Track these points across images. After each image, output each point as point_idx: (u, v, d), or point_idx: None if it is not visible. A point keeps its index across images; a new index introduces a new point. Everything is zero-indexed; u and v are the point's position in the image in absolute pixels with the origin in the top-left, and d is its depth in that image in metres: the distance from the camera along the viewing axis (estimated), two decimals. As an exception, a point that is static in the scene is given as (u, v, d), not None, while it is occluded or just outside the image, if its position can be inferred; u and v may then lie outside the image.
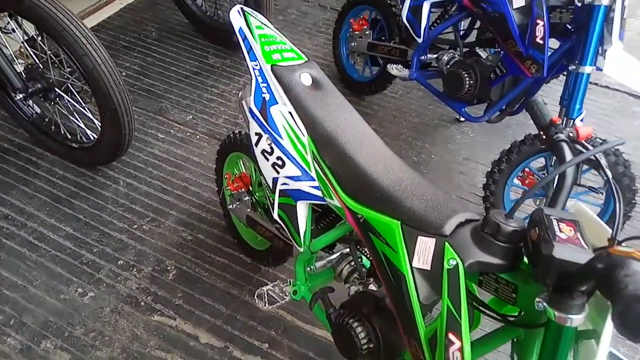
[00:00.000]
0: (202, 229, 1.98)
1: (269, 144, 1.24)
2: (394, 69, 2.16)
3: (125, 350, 1.61)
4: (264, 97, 1.24)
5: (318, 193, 1.20)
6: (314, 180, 1.20)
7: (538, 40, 1.61)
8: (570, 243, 0.77)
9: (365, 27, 2.39)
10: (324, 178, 1.16)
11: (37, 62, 1.94)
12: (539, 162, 1.85)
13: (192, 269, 1.85)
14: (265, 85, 1.24)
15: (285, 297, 1.40)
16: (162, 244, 1.93)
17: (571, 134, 0.99)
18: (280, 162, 1.24)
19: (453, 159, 2.34)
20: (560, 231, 0.79)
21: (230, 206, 1.72)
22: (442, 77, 2.05)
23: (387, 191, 1.06)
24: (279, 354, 1.61)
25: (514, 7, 1.67)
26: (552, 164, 1.70)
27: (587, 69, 1.59)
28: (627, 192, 1.72)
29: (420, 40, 2.05)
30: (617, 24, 1.51)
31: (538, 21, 1.60)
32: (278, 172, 1.25)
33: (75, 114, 2.08)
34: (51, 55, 1.90)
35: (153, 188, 2.14)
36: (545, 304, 0.78)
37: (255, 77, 1.26)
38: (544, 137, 1.01)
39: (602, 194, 1.80)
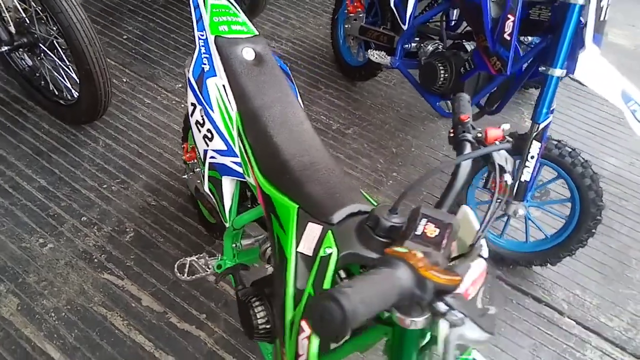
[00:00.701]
0: (167, 197, 2.02)
1: (201, 116, 1.24)
2: (375, 55, 2.11)
3: (70, 303, 1.67)
4: (203, 68, 1.24)
5: (240, 170, 1.20)
6: (237, 156, 1.19)
7: (506, 36, 1.52)
8: (425, 243, 0.74)
9: (360, 9, 2.33)
10: (245, 155, 1.16)
11: (25, 16, 1.99)
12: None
13: (149, 234, 1.89)
14: (207, 56, 1.24)
15: (207, 270, 1.41)
16: (126, 206, 1.98)
17: (479, 135, 0.95)
18: (209, 135, 1.23)
19: (433, 155, 2.29)
20: (423, 231, 0.77)
21: (185, 176, 1.75)
22: (419, 67, 1.99)
23: (294, 174, 1.06)
24: (214, 325, 1.64)
25: (492, 0, 1.60)
26: (517, 167, 1.63)
27: (557, 71, 1.48)
28: (591, 206, 1.64)
29: (405, 28, 1.99)
30: (590, 27, 1.40)
31: (509, 16, 1.51)
32: (207, 145, 1.25)
33: (61, 71, 2.13)
34: (37, 10, 1.94)
35: (129, 151, 2.19)
36: None
37: (199, 47, 1.26)
38: (451, 134, 0.96)
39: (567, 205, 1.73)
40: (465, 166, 0.92)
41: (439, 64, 1.85)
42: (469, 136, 0.95)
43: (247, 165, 1.17)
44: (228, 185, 1.28)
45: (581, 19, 1.45)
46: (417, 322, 0.72)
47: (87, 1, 2.98)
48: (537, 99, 1.57)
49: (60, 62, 2.07)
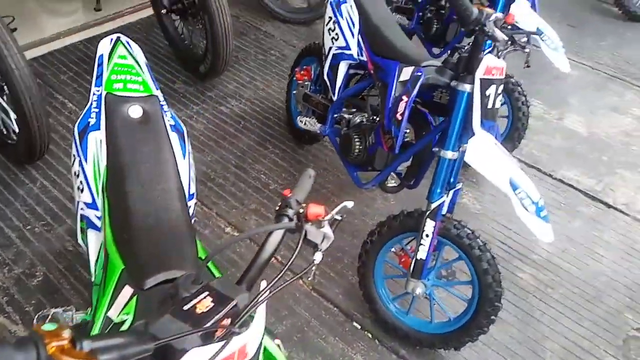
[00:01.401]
0: (87, 242, 2.03)
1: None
2: (305, 122, 2.17)
3: (-44, 343, 1.65)
4: (89, 122, 1.31)
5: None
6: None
7: (398, 116, 1.56)
8: (185, 319, 0.72)
9: (307, 78, 2.42)
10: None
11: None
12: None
13: (57, 279, 1.89)
14: (96, 110, 1.32)
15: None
16: (43, 249, 1.99)
17: (301, 210, 0.95)
18: (81, 187, 1.29)
19: (362, 224, 2.28)
20: (194, 305, 0.75)
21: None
22: (339, 137, 2.04)
23: (131, 234, 1.08)
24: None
25: (399, 80, 1.65)
26: (421, 242, 1.62)
27: (448, 154, 1.52)
28: (489, 291, 1.60)
29: (334, 98, 2.06)
30: (476, 114, 1.43)
31: (404, 97, 1.56)
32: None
33: (7, 112, 2.22)
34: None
35: (63, 194, 2.23)
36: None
37: (92, 102, 1.34)
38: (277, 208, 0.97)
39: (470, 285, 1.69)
40: (273, 241, 0.92)
41: (355, 136, 1.89)
42: (290, 211, 0.95)
43: (103, 220, 1.19)
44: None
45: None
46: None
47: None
48: (432, 178, 1.58)
49: (5, 104, 2.16)
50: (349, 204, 1.07)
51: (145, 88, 1.40)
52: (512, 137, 2.40)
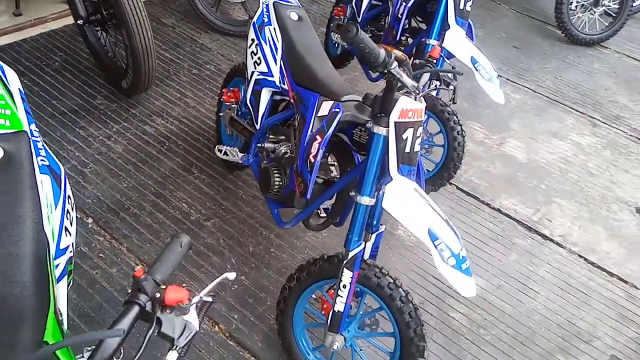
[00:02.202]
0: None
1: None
2: (224, 152, 2.01)
3: None
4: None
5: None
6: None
7: (311, 157, 1.42)
8: None
9: (234, 100, 2.25)
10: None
11: None
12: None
13: None
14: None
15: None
16: None
17: (157, 295, 0.79)
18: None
19: (290, 259, 2.12)
20: None
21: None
22: (258, 170, 1.90)
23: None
24: None
25: (317, 115, 1.52)
26: (339, 294, 1.47)
27: (365, 199, 1.40)
28: (412, 346, 1.47)
29: (257, 127, 1.90)
30: (392, 158, 1.32)
31: (317, 137, 1.43)
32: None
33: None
34: None
35: None
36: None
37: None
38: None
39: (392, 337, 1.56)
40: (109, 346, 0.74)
41: (274, 170, 1.75)
42: (142, 297, 0.78)
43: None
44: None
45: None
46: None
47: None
48: (349, 224, 1.46)
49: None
50: (230, 276, 0.91)
51: (12, 123, 1.20)
52: (447, 167, 2.30)
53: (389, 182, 1.35)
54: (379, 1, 2.76)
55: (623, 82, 3.75)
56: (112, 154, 2.44)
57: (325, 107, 1.52)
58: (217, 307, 1.89)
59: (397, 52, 1.25)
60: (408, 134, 1.32)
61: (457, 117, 2.27)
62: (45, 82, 2.79)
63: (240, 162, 2.01)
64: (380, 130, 1.33)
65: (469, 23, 2.25)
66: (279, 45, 1.81)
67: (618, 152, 3.06)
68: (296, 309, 1.64)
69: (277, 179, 1.71)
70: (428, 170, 2.36)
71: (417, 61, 2.05)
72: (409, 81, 1.25)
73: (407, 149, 1.33)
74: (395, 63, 1.25)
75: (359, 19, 2.77)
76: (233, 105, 2.26)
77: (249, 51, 1.92)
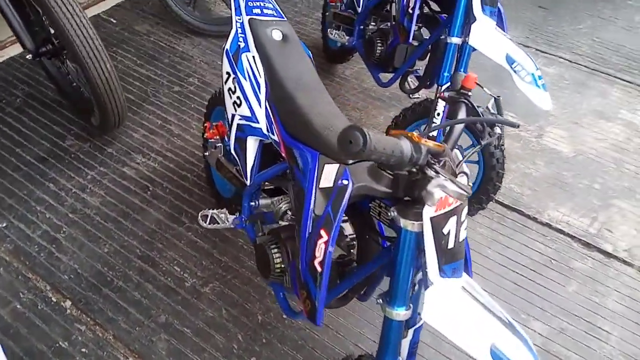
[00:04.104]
0: None
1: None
2: (207, 220, 1.67)
3: None
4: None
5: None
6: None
7: (317, 263, 1.11)
8: None
9: (218, 137, 1.85)
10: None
11: None
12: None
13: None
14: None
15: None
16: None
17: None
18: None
19: (307, 326, 1.77)
20: None
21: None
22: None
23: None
24: None
25: (320, 187, 1.16)
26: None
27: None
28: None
29: (247, 182, 1.52)
30: (432, 261, 0.96)
31: (322, 232, 1.10)
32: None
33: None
34: None
35: None
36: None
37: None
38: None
39: None
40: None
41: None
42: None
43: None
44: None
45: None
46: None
47: None
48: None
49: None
50: None
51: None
52: (485, 189, 1.86)
53: (428, 287, 0.97)
54: None
55: (673, 37, 3.22)
56: (88, 210, 2.09)
57: (329, 174, 1.13)
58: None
59: (429, 143, 0.84)
60: (450, 225, 0.93)
61: (494, 128, 1.84)
62: (6, 124, 2.42)
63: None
64: (410, 225, 0.95)
65: (499, 9, 1.78)
66: (262, 80, 1.39)
67: (680, 128, 2.60)
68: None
69: (277, 259, 1.34)
70: None
71: (447, 94, 1.62)
72: (454, 189, 0.85)
73: (451, 244, 0.94)
74: (427, 156, 0.87)
75: (359, 9, 2.31)
76: (219, 144, 1.88)
77: (225, 87, 1.52)
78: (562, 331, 1.80)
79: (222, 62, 1.53)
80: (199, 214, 1.73)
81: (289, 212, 1.49)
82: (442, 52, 1.91)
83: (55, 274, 1.87)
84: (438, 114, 1.77)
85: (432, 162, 0.87)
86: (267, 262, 1.34)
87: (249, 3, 1.50)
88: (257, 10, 1.49)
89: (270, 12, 1.51)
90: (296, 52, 1.45)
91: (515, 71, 1.65)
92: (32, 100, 2.57)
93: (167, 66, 2.83)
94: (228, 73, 1.48)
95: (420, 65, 2.17)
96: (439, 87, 1.80)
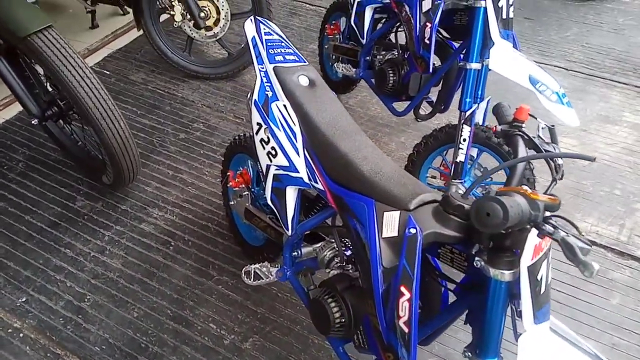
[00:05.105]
0: None
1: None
2: (251, 277, 1.60)
3: None
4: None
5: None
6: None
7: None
8: None
9: (243, 185, 1.80)
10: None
11: None
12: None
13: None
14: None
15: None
16: None
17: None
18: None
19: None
20: None
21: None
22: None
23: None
24: None
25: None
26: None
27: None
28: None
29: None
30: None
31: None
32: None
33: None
34: None
35: None
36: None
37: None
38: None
39: None
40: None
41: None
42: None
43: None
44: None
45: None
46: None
47: None
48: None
49: None
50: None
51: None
52: None
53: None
54: (383, 13, 2.28)
55: (659, 35, 3.31)
56: (110, 274, 2.00)
57: (391, 223, 1.09)
58: None
59: (543, 197, 0.81)
60: (543, 270, 0.90)
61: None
62: (11, 191, 2.34)
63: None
64: (500, 275, 0.91)
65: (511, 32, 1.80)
66: (297, 129, 1.36)
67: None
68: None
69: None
70: None
71: (499, 128, 1.62)
72: (581, 245, 0.81)
73: (543, 289, 0.91)
74: (544, 213, 0.86)
75: (364, 40, 2.31)
76: (245, 193, 1.83)
77: (256, 138, 1.48)
78: (614, 347, 1.77)
79: (250, 113, 1.49)
80: (242, 271, 1.67)
81: (336, 259, 1.44)
82: (455, 77, 1.93)
83: (86, 346, 1.78)
84: (464, 140, 1.78)
85: (548, 217, 0.85)
86: (326, 317, 1.28)
87: (269, 51, 1.48)
88: (280, 58, 1.47)
89: (292, 57, 1.49)
90: (326, 96, 1.42)
91: (540, 91, 1.65)
92: (35, 163, 2.49)
93: (169, 114, 2.79)
94: (259, 124, 1.44)
95: (432, 91, 2.17)
96: (462, 113, 1.79)
